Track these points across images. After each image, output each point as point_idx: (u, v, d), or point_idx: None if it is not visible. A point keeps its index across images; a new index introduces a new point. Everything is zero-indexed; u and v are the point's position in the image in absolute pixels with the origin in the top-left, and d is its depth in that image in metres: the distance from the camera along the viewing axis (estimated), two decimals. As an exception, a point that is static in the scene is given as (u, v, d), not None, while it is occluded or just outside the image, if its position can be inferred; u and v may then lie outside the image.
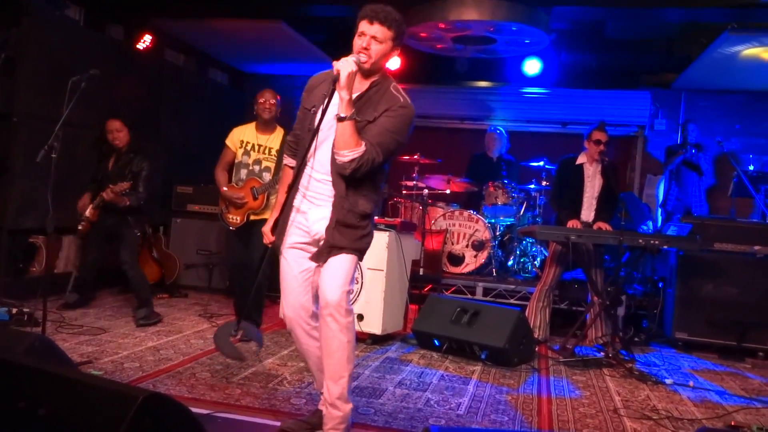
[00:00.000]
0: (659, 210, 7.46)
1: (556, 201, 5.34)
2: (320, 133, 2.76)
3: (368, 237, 2.90)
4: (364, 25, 2.76)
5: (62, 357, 2.85)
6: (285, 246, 2.92)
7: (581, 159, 5.28)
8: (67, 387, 2.06)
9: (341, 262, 2.79)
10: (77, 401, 2.02)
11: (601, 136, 5.16)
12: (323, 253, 2.80)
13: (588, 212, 5.21)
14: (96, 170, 5.34)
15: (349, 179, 2.75)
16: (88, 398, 2.01)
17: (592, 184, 5.23)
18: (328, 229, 2.79)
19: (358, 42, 2.77)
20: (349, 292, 2.81)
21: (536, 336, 5.05)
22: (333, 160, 2.75)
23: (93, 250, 5.28)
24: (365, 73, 2.80)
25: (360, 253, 2.88)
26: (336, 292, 2.74)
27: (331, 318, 2.73)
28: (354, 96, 2.71)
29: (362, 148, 2.67)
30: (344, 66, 2.64)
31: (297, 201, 2.89)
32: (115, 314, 5.25)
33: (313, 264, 2.88)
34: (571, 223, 5.08)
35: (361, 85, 2.80)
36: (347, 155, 2.66)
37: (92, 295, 5.59)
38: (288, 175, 3.04)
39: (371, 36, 2.74)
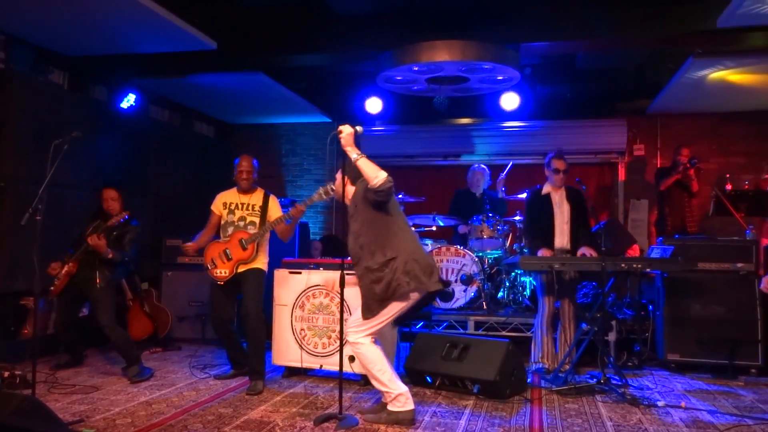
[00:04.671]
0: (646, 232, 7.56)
1: (527, 233, 5.43)
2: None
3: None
4: None
5: (50, 416, 2.87)
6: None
7: (546, 189, 5.40)
8: (52, 445, 2.10)
9: None
10: (62, 458, 2.06)
11: (559, 165, 5.29)
12: None
13: (561, 238, 5.28)
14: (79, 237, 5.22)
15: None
16: (73, 454, 2.05)
17: (561, 211, 5.31)
18: None
19: None
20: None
21: (546, 365, 5.13)
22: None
23: (65, 311, 5.22)
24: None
25: None
26: None
27: None
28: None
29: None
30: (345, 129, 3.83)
31: None
32: (108, 372, 5.25)
33: None
34: (542, 252, 5.17)
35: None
36: (381, 177, 3.68)
37: (83, 353, 5.57)
38: None
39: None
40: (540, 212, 5.35)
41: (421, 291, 3.79)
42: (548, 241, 5.26)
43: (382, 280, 3.75)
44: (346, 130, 3.80)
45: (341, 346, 4.03)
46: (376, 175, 3.69)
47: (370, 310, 3.79)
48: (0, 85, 5.45)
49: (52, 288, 5.13)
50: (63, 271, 5.05)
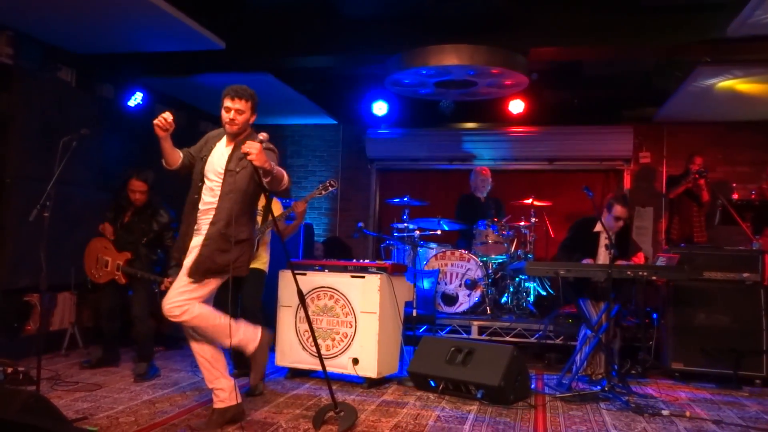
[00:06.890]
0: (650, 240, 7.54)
1: (567, 252, 5.22)
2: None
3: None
4: (227, 102, 3.71)
5: (56, 414, 2.86)
6: None
7: (599, 227, 5.18)
8: (60, 442, 2.10)
9: None
10: (69, 456, 2.05)
11: (622, 213, 5.13)
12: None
13: None
14: (112, 214, 5.31)
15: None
16: (80, 453, 2.04)
17: (607, 252, 5.09)
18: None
19: (225, 115, 3.72)
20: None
21: (592, 376, 5.09)
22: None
23: (108, 297, 5.22)
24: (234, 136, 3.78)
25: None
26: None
27: None
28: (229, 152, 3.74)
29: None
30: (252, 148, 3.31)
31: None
32: (111, 369, 5.23)
33: None
34: (587, 261, 5.08)
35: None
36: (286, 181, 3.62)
37: (119, 350, 5.46)
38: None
39: (234, 109, 3.70)
40: (585, 246, 5.20)
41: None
42: None
43: (229, 253, 3.56)
44: (253, 148, 3.27)
45: (317, 347, 4.01)
46: (284, 180, 3.65)
47: (197, 273, 3.58)
48: (8, 81, 5.45)
49: (97, 276, 5.17)
50: (117, 277, 5.11)
